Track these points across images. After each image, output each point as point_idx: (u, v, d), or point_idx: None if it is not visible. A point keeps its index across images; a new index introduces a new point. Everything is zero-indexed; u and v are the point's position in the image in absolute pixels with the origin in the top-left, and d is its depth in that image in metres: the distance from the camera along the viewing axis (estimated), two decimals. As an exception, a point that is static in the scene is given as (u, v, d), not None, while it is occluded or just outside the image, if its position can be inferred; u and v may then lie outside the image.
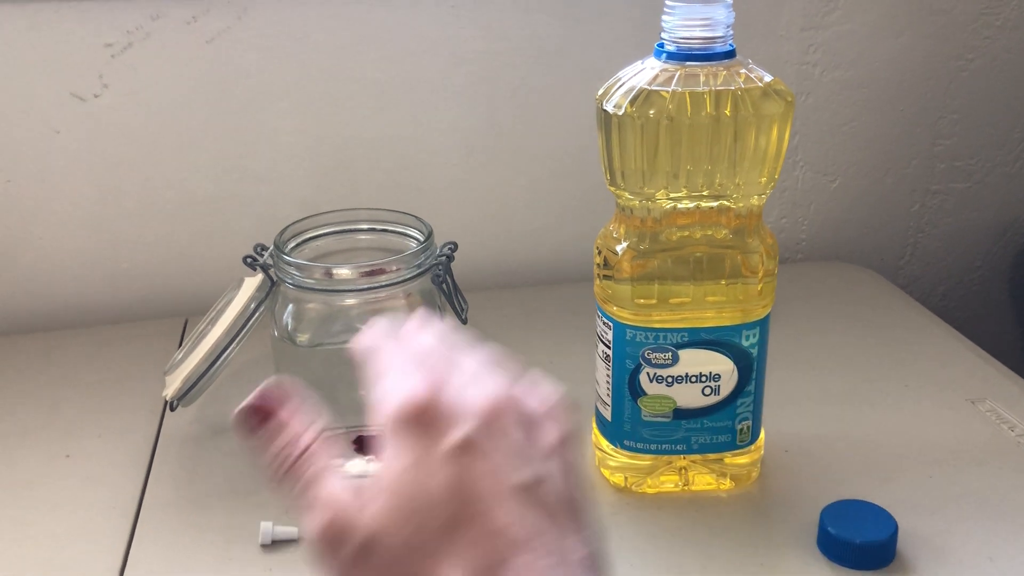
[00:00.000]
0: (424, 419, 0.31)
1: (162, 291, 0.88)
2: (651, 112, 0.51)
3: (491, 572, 0.29)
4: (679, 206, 0.54)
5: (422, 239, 0.62)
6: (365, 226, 0.65)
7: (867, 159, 0.97)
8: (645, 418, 0.58)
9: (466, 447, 0.30)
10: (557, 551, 0.30)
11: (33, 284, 0.85)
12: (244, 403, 0.33)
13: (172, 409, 0.64)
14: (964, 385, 0.72)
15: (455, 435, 0.31)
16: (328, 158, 0.86)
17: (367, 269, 0.59)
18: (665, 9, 0.51)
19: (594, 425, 0.63)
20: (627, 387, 0.58)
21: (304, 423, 0.33)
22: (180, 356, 0.65)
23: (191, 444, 0.67)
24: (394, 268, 0.59)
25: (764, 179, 0.54)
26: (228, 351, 0.62)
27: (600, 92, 0.54)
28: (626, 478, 0.61)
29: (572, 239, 0.92)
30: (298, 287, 0.59)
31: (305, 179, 0.86)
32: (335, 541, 0.30)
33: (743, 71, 0.52)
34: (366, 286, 0.59)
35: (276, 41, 0.81)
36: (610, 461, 0.61)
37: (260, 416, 0.33)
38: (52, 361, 0.79)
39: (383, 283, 0.59)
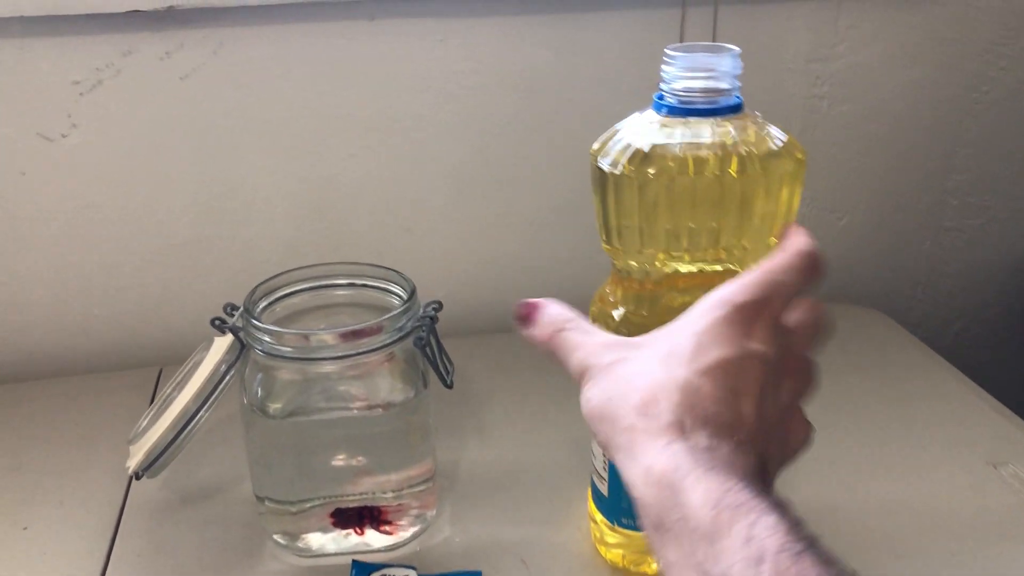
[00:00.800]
0: None
1: (136, 340, 0.83)
2: (651, 171, 0.47)
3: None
4: (681, 269, 0.50)
5: (404, 295, 0.58)
6: (343, 281, 0.61)
7: (877, 195, 0.93)
8: (644, 496, 0.53)
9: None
10: None
11: (-1, 332, 0.81)
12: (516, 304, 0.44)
13: (137, 479, 0.60)
14: (984, 447, 0.67)
15: None
16: (311, 198, 0.82)
17: (344, 332, 0.54)
18: (664, 58, 0.47)
19: (590, 498, 0.58)
20: (625, 462, 0.53)
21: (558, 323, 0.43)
22: (145, 423, 0.60)
23: (158, 514, 0.63)
24: (374, 331, 0.55)
25: (773, 241, 0.49)
26: (196, 420, 0.57)
27: (595, 147, 0.49)
28: (624, 556, 0.56)
29: (568, 279, 0.87)
30: (269, 355, 0.54)
31: (287, 221, 0.82)
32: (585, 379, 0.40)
33: (751, 126, 0.48)
34: (343, 353, 0.54)
35: (254, 77, 0.77)
36: (607, 538, 0.57)
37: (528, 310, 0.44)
38: (17, 415, 0.75)
39: (362, 348, 0.54)
